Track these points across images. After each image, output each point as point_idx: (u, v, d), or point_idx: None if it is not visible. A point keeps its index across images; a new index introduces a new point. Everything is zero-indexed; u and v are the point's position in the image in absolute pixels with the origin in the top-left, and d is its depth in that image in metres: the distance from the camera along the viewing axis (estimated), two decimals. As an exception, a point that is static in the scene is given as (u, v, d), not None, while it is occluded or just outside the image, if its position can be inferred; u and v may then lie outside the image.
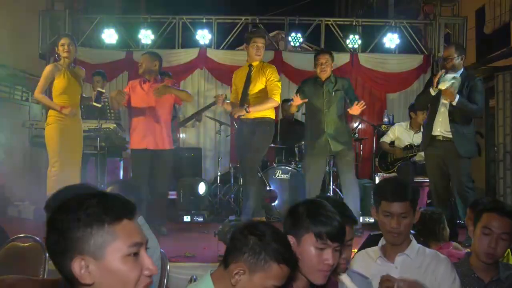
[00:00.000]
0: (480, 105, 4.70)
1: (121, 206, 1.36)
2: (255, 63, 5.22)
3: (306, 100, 5.27)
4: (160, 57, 5.42)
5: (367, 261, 2.47)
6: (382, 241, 2.52)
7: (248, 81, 5.18)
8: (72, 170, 5.12)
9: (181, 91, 5.31)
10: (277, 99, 5.19)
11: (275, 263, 1.71)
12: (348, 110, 5.24)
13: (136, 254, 1.33)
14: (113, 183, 3.49)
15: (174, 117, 6.56)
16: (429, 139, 4.85)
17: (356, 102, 5.13)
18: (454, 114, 4.66)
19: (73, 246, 1.28)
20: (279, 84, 5.22)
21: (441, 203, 4.85)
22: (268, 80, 5.15)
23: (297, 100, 5.18)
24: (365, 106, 5.20)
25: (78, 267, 1.28)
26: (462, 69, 4.78)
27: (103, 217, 1.30)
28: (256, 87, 5.15)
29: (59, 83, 5.08)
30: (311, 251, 1.89)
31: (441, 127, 4.75)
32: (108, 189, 3.31)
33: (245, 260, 1.71)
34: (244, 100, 5.16)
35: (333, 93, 5.29)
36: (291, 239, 1.94)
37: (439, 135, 4.78)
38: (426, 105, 5.04)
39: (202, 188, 6.38)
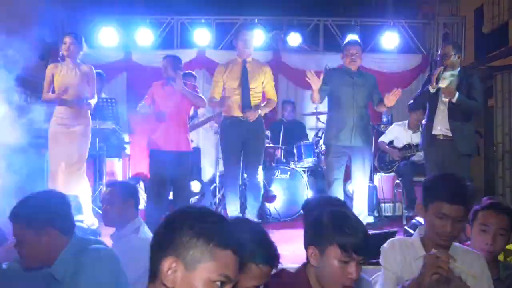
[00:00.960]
0: (480, 101, 4.69)
1: (233, 238, 1.40)
2: (249, 59, 5.17)
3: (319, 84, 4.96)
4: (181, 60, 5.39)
5: (406, 259, 2.31)
6: (419, 238, 2.35)
7: (245, 78, 5.10)
8: (77, 169, 5.12)
9: (195, 97, 5.18)
10: (276, 100, 5.31)
11: (253, 264, 1.76)
12: (385, 100, 5.04)
13: (222, 284, 1.35)
14: (112, 184, 3.48)
15: (194, 117, 6.56)
16: (429, 138, 4.82)
17: (386, 95, 5.00)
18: (454, 112, 4.65)
19: (174, 244, 1.34)
20: (273, 84, 5.30)
21: None
22: (268, 82, 5.17)
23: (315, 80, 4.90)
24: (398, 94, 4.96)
25: (167, 266, 1.33)
26: (459, 68, 4.77)
27: (213, 237, 1.35)
28: (256, 85, 5.12)
29: (57, 79, 5.09)
30: (335, 264, 1.85)
31: (441, 125, 4.74)
32: (107, 190, 3.29)
33: None
34: (245, 100, 5.08)
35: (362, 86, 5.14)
36: (313, 250, 1.92)
37: (439, 134, 4.76)
38: (423, 103, 5.02)
39: (196, 186, 6.41)
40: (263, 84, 5.15)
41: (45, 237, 2.04)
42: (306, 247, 1.98)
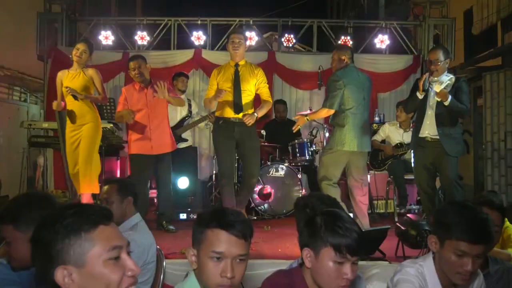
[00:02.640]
0: (467, 106, 4.70)
1: (95, 214, 1.38)
2: (241, 62, 5.17)
3: None
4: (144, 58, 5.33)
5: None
6: (436, 275, 2.11)
7: (237, 82, 5.10)
8: (88, 171, 5.09)
9: (175, 98, 5.16)
10: (271, 101, 5.28)
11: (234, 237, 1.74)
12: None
13: (117, 258, 1.35)
14: (109, 181, 3.46)
15: (188, 116, 6.56)
16: (418, 140, 4.86)
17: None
18: (441, 117, 4.65)
19: (55, 258, 1.31)
20: (267, 85, 5.26)
21: (429, 201, 4.88)
22: (261, 83, 5.14)
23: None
24: None
25: (61, 276, 1.31)
26: (446, 72, 4.77)
27: (79, 226, 1.33)
28: (248, 88, 5.10)
29: (68, 85, 5.03)
30: (330, 265, 1.83)
31: (429, 130, 4.75)
32: (105, 188, 3.28)
33: None
34: (238, 101, 5.08)
35: None
36: (308, 251, 1.90)
37: (427, 137, 4.78)
38: (415, 109, 5.03)
39: (184, 183, 6.42)
40: (255, 86, 5.14)
41: None
42: (301, 249, 1.96)
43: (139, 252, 2.93)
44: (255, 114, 5.02)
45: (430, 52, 4.96)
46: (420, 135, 4.81)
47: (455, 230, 1.99)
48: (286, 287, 1.89)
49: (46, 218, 1.37)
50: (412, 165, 5.31)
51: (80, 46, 5.14)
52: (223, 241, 1.72)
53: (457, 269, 2.00)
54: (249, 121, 4.96)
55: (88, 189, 5.07)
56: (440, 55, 4.69)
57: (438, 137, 4.69)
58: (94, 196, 5.17)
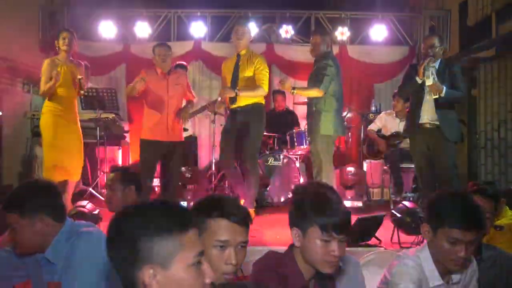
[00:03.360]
0: (464, 91, 4.70)
1: (186, 216, 1.34)
2: (242, 52, 5.13)
3: None
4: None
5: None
6: (428, 265, 2.11)
7: (236, 70, 5.09)
8: (72, 158, 5.10)
9: (191, 104, 5.33)
10: (265, 88, 5.05)
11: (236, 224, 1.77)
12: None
13: (199, 263, 1.31)
14: (114, 169, 3.47)
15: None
16: (416, 127, 4.81)
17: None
18: (439, 101, 4.63)
19: (143, 255, 1.26)
20: (267, 73, 5.09)
21: (428, 189, 4.85)
22: (257, 70, 5.04)
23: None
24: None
25: (147, 276, 1.26)
26: (439, 59, 4.76)
27: (171, 227, 1.28)
28: (244, 75, 5.05)
29: (63, 76, 5.02)
30: (317, 243, 1.84)
31: (428, 115, 4.71)
32: (110, 176, 3.29)
33: None
34: (233, 88, 5.08)
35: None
36: (296, 231, 1.91)
37: (426, 123, 4.75)
38: (409, 94, 5.00)
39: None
40: (253, 72, 5.09)
41: (39, 224, 2.04)
42: (290, 228, 1.97)
43: None
44: (236, 91, 4.95)
45: (425, 39, 4.96)
46: (420, 121, 4.76)
47: (447, 218, 2.00)
48: (276, 267, 1.90)
49: (133, 212, 1.33)
50: (409, 153, 5.33)
51: (66, 35, 5.09)
52: (227, 230, 1.73)
53: (451, 256, 2.01)
54: (223, 93, 5.02)
55: (77, 176, 5.26)
56: (436, 41, 4.70)
57: (437, 122, 4.65)
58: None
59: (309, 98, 5.10)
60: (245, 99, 5.01)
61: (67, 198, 5.08)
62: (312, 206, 1.86)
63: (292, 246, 1.98)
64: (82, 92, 5.19)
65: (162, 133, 5.04)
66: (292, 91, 4.95)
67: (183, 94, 5.27)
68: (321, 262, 1.85)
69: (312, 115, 5.01)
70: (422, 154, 4.83)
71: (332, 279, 2.02)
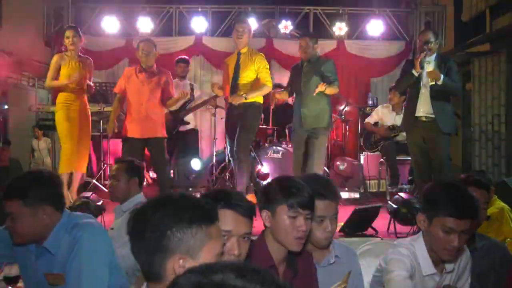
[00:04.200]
0: (459, 83, 4.71)
1: (213, 210, 1.39)
2: (243, 50, 5.11)
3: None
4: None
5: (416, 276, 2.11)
6: (422, 253, 2.11)
7: (237, 68, 5.09)
8: (82, 151, 5.18)
9: (174, 101, 5.21)
10: (270, 85, 5.12)
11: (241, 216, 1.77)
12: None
13: (222, 254, 1.38)
14: (120, 161, 3.47)
15: (191, 100, 6.53)
16: (412, 120, 4.81)
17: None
18: (435, 93, 4.63)
19: (173, 245, 1.29)
20: (268, 70, 5.14)
21: (423, 180, 4.85)
22: (259, 69, 5.07)
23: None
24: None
25: (176, 265, 1.28)
26: (435, 54, 4.75)
27: (201, 220, 1.32)
28: (246, 74, 5.06)
29: (64, 71, 5.07)
30: (285, 220, 1.91)
31: (424, 108, 4.70)
32: (116, 166, 3.29)
33: None
34: (234, 87, 5.08)
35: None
36: (266, 213, 1.98)
37: (421, 116, 4.74)
38: (406, 88, 4.99)
39: (196, 164, 6.40)
40: (255, 71, 5.10)
41: (41, 213, 2.00)
42: (260, 212, 2.01)
43: None
44: (244, 95, 4.97)
45: (420, 34, 4.99)
46: (416, 114, 4.76)
47: (442, 207, 2.00)
48: (249, 253, 1.91)
49: (164, 204, 1.35)
50: (405, 146, 5.32)
51: (69, 33, 5.11)
52: (231, 220, 1.73)
53: (445, 245, 2.01)
54: (234, 100, 4.98)
55: (83, 168, 5.27)
56: (431, 36, 4.70)
57: (433, 115, 4.65)
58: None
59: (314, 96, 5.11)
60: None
61: (73, 189, 5.10)
62: (279, 187, 1.97)
63: (263, 232, 2.04)
64: (88, 95, 5.34)
65: (136, 130, 4.99)
66: (325, 87, 4.95)
67: (164, 94, 5.11)
68: (290, 239, 1.91)
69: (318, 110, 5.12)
70: (418, 146, 4.83)
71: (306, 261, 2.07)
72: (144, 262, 1.34)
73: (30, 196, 1.98)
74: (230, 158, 5.39)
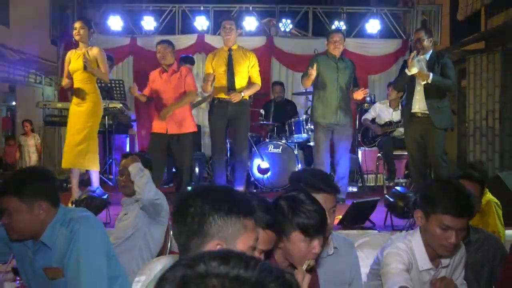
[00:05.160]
0: (454, 80, 4.68)
1: (251, 205, 1.43)
2: (234, 47, 5.16)
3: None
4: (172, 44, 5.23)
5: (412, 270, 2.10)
6: (419, 249, 2.10)
7: (230, 65, 5.11)
8: (84, 144, 4.93)
9: (188, 97, 5.15)
10: (260, 84, 5.26)
11: (261, 229, 1.68)
12: (354, 94, 5.20)
13: (254, 248, 1.41)
14: (126, 155, 3.45)
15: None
16: (409, 116, 4.82)
17: (356, 90, 5.19)
18: (429, 91, 4.63)
19: (213, 230, 1.34)
20: (258, 69, 5.25)
21: (420, 176, 4.85)
22: (252, 67, 5.15)
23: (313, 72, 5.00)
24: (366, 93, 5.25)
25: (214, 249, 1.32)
26: (431, 50, 4.75)
27: (240, 211, 1.37)
28: (241, 71, 5.12)
29: (73, 65, 4.91)
30: (301, 246, 1.84)
31: (419, 104, 4.71)
32: (122, 161, 3.25)
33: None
34: (230, 83, 5.10)
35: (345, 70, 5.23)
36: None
37: (417, 112, 4.74)
38: (404, 86, 4.99)
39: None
40: (248, 69, 5.14)
41: (37, 209, 1.96)
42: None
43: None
44: (242, 93, 5.03)
45: (414, 33, 5.02)
46: (412, 111, 4.77)
47: (440, 205, 1.98)
48: None
49: (206, 193, 1.39)
50: (402, 141, 5.32)
51: (77, 25, 4.96)
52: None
53: (442, 242, 2.00)
54: (234, 98, 4.99)
55: (95, 166, 4.96)
56: (423, 34, 4.71)
57: (427, 112, 4.66)
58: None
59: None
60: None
61: (73, 185, 4.96)
62: (291, 210, 1.85)
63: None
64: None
65: (161, 127, 5.07)
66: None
67: (185, 89, 5.14)
68: (303, 261, 1.84)
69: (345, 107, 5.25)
70: (415, 141, 4.83)
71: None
72: (182, 245, 1.39)
73: (26, 192, 1.95)
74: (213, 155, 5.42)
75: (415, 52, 4.64)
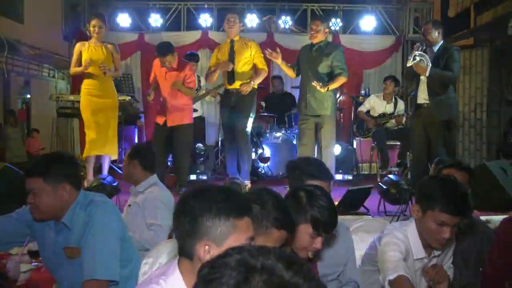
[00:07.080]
0: (455, 72, 4.50)
1: (245, 205, 1.38)
2: (236, 38, 5.08)
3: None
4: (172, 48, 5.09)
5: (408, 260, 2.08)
6: (414, 238, 2.08)
7: (232, 55, 5.03)
8: (106, 133, 5.05)
9: (187, 89, 5.05)
10: (267, 69, 5.14)
11: (275, 229, 1.64)
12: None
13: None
14: (135, 147, 3.48)
15: (197, 90, 6.49)
16: (415, 107, 4.72)
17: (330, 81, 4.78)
18: (431, 83, 4.50)
19: (202, 231, 1.31)
20: (262, 55, 5.06)
21: (421, 166, 4.68)
22: (255, 54, 5.02)
23: (275, 56, 4.82)
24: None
25: (202, 250, 1.30)
26: (441, 42, 4.58)
27: (230, 211, 1.32)
28: (242, 60, 5.02)
29: (85, 56, 4.92)
30: (305, 238, 1.83)
31: (423, 95, 4.59)
32: (129, 152, 3.28)
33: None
34: (232, 73, 5.02)
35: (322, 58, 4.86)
36: None
37: (423, 103, 4.61)
38: (413, 76, 4.75)
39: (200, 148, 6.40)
40: (251, 57, 5.03)
41: (61, 191, 1.99)
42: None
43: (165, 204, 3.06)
44: (252, 82, 4.94)
45: (423, 25, 4.88)
46: (418, 101, 4.65)
47: (438, 203, 1.94)
48: None
49: (201, 192, 1.37)
50: (394, 132, 5.29)
51: (95, 23, 4.93)
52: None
53: (436, 236, 1.98)
54: (245, 89, 4.89)
55: (117, 153, 5.25)
56: (430, 26, 4.58)
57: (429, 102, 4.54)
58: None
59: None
60: (242, 81, 4.99)
61: (88, 171, 5.01)
62: (309, 203, 1.84)
63: None
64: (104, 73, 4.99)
65: (163, 118, 5.07)
66: (327, 88, 4.73)
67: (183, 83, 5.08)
68: (304, 253, 1.85)
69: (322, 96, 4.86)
70: (418, 130, 4.69)
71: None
72: (180, 244, 1.38)
73: (51, 174, 1.98)
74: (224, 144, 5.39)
75: (418, 44, 4.54)
